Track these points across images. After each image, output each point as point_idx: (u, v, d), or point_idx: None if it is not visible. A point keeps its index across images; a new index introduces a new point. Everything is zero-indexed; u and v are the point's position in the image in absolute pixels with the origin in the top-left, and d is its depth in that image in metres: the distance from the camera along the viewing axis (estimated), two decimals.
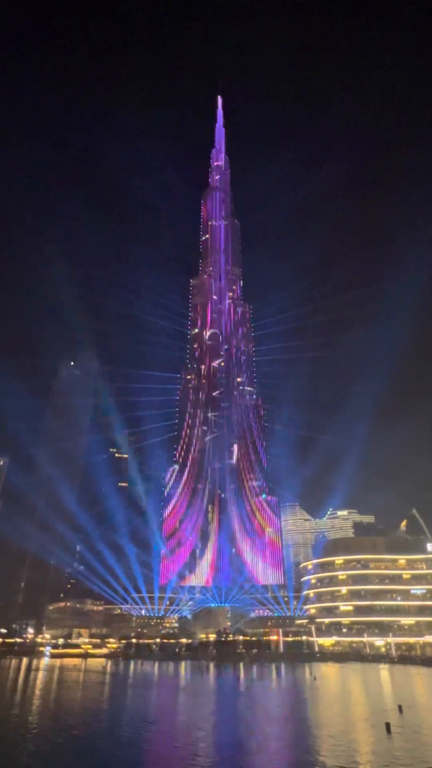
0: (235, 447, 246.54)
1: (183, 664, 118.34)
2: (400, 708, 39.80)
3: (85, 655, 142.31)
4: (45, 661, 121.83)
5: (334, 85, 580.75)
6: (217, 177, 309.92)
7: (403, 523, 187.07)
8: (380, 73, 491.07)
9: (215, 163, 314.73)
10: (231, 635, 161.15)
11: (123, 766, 24.37)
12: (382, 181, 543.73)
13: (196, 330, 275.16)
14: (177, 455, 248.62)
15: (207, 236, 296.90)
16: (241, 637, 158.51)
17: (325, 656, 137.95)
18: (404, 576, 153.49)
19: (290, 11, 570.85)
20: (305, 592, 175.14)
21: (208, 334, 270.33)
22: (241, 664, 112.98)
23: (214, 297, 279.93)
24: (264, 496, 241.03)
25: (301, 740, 30.11)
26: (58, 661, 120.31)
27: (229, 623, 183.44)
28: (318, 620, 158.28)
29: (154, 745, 29.45)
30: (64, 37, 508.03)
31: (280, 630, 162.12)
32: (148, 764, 25.05)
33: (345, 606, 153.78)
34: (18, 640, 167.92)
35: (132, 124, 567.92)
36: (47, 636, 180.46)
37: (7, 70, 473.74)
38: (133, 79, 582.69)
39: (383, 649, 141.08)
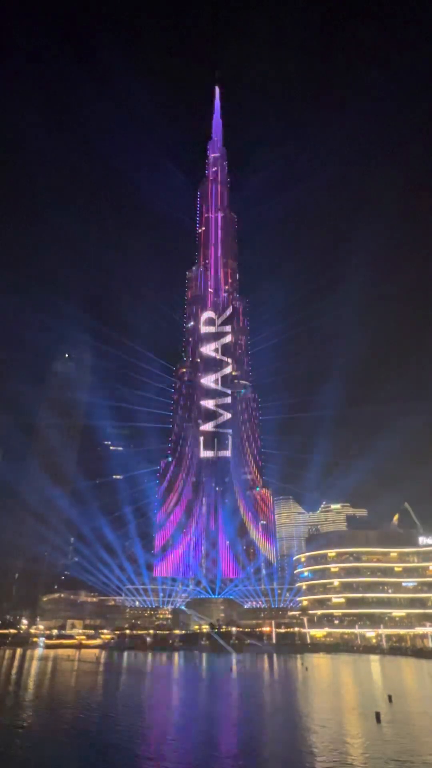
0: (230, 440, 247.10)
1: (176, 654, 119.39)
2: (390, 698, 40.43)
3: (79, 646, 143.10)
4: (39, 652, 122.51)
5: (336, 76, 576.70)
6: (214, 169, 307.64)
7: (396, 517, 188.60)
8: (384, 65, 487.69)
9: (212, 155, 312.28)
10: (224, 626, 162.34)
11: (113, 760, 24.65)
12: (383, 177, 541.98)
13: (192, 322, 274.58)
14: (171, 448, 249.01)
15: (203, 228, 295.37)
16: (234, 629, 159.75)
17: (317, 647, 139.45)
18: (396, 569, 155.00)
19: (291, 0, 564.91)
20: (298, 584, 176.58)
21: (203, 326, 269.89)
22: (233, 655, 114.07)
23: (210, 289, 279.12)
24: (258, 489, 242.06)
25: (293, 729, 30.55)
26: (51, 652, 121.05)
27: (222, 615, 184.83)
28: (310, 612, 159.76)
29: (148, 736, 29.75)
30: (62, 29, 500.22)
31: (273, 621, 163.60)
32: (143, 758, 25.32)
33: (337, 598, 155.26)
34: (12, 630, 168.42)
35: (129, 114, 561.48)
36: (41, 627, 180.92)
37: (7, 65, 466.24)
38: (130, 69, 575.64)
39: (374, 641, 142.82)
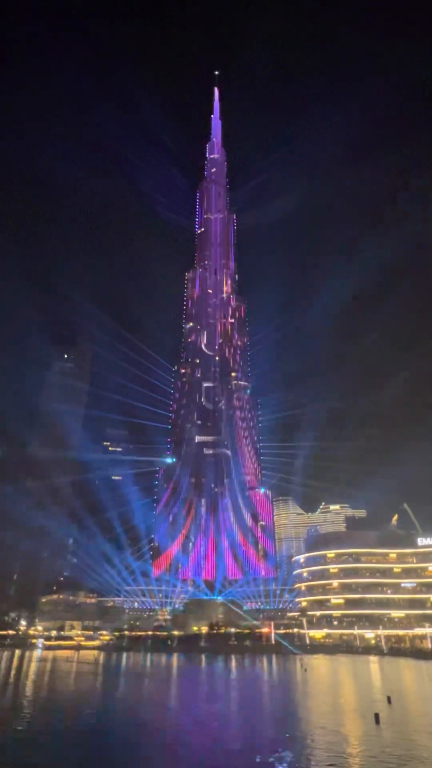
0: (229, 440, 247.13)
1: (175, 656, 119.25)
2: (389, 699, 40.39)
3: (78, 647, 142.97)
4: (38, 653, 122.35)
5: (336, 77, 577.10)
6: (213, 170, 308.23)
7: (395, 518, 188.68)
8: (384, 66, 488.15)
9: (211, 156, 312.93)
10: (223, 628, 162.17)
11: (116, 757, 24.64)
12: (383, 177, 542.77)
13: (191, 323, 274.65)
14: (171, 448, 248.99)
15: (202, 229, 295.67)
16: (233, 630, 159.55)
17: (316, 648, 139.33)
18: (395, 569, 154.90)
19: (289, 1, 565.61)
20: (297, 585, 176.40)
21: (202, 327, 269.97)
22: (233, 656, 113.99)
23: (209, 290, 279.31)
24: (257, 489, 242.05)
25: (292, 731, 30.55)
26: (50, 653, 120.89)
27: (221, 616, 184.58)
28: (309, 613, 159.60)
29: (150, 737, 29.75)
30: (62, 30, 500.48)
31: (272, 622, 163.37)
32: (146, 755, 25.30)
33: (336, 599, 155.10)
34: (11, 632, 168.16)
35: (128, 115, 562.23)
36: (40, 628, 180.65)
37: (5, 65, 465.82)
38: (130, 70, 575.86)
39: (373, 642, 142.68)
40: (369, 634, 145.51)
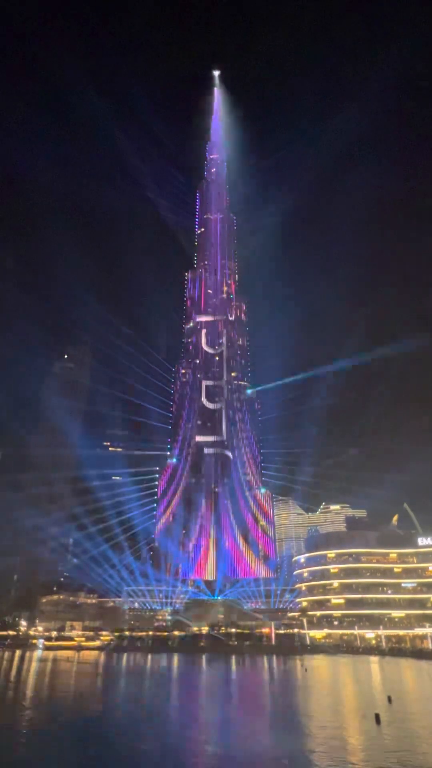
0: (230, 440, 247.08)
1: (175, 656, 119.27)
2: (389, 699, 40.38)
3: (78, 648, 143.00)
4: (38, 654, 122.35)
5: (338, 77, 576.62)
6: (213, 170, 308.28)
7: (395, 518, 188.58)
8: (385, 64, 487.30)
9: (211, 156, 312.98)
10: (223, 628, 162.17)
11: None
12: (384, 177, 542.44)
13: (191, 323, 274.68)
14: (171, 449, 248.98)
15: (202, 229, 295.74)
16: (233, 630, 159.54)
17: (317, 648, 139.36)
18: (395, 569, 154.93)
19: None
20: (297, 586, 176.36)
21: (202, 327, 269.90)
22: (233, 657, 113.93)
23: (209, 291, 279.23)
24: (258, 490, 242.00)
25: (292, 730, 30.51)
26: (51, 653, 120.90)
27: (221, 616, 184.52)
28: (310, 613, 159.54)
29: (145, 736, 29.70)
30: (61, 29, 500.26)
31: (272, 623, 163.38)
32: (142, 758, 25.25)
33: (336, 599, 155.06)
34: (11, 632, 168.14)
35: (127, 115, 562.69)
36: (40, 629, 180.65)
37: (12, 60, 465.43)
38: (129, 69, 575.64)
39: (374, 642, 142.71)
40: (369, 634, 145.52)
